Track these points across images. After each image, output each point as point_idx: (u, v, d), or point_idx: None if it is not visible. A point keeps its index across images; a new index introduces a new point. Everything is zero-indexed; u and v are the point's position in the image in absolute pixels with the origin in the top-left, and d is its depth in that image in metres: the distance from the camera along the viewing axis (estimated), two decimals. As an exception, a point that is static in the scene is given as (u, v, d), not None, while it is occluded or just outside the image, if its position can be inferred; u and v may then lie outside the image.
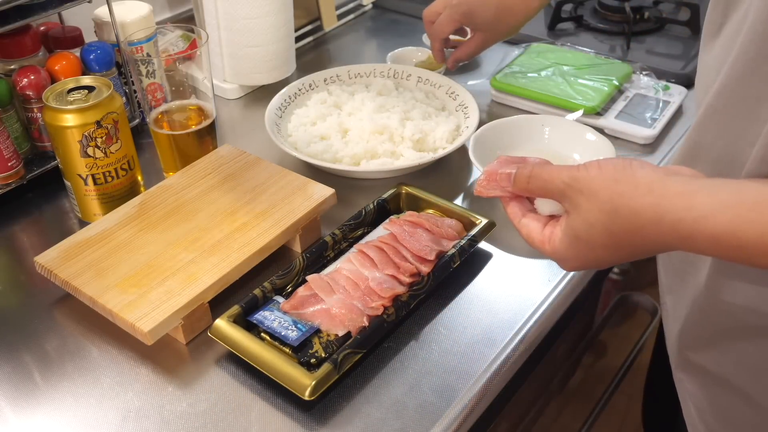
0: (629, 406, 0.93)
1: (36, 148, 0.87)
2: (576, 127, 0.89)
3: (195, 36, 0.90)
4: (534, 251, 0.56)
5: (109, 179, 0.77)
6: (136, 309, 0.63)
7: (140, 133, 0.94)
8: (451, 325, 0.68)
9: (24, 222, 0.83)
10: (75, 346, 0.67)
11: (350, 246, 0.73)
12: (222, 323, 0.63)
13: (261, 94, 1.05)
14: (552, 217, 0.53)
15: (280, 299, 0.67)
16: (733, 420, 0.57)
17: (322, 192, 0.76)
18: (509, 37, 0.95)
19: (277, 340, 0.63)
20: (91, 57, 0.86)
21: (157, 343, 0.63)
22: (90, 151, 0.74)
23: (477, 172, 0.88)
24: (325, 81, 1.01)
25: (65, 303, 0.71)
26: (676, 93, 0.98)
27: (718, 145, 0.50)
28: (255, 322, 0.64)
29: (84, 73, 0.86)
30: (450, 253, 0.70)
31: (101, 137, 0.74)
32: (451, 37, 1.02)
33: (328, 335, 0.63)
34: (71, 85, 0.75)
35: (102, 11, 0.89)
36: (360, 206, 0.77)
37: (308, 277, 0.67)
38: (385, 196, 0.78)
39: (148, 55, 0.88)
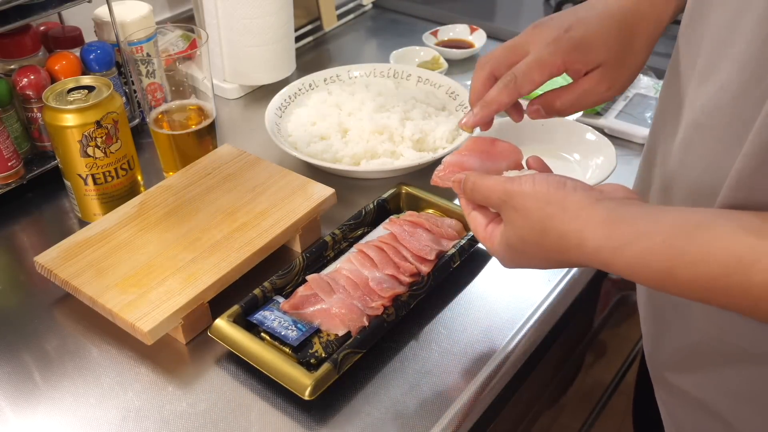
0: (629, 406, 0.93)
1: (36, 147, 0.87)
2: (576, 127, 0.89)
3: (195, 36, 0.90)
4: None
5: (109, 179, 0.77)
6: (136, 309, 0.63)
7: (140, 133, 0.94)
8: (451, 325, 0.68)
9: (24, 222, 0.83)
10: (75, 345, 0.67)
11: (350, 246, 0.73)
12: (222, 323, 0.63)
13: (261, 94, 1.05)
14: (494, 217, 0.55)
15: (280, 299, 0.67)
16: None
17: (322, 192, 0.76)
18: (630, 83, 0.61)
19: (277, 339, 0.63)
20: (91, 57, 0.86)
21: (157, 342, 0.63)
22: (90, 150, 0.74)
23: (477, 172, 0.88)
24: (325, 81, 1.01)
25: (65, 303, 0.71)
26: (676, 93, 0.98)
27: (699, 166, 0.50)
28: (255, 321, 0.64)
29: (84, 73, 0.86)
30: (450, 252, 0.70)
31: (101, 137, 0.74)
32: None
33: (328, 335, 0.63)
34: (71, 85, 0.75)
35: (102, 11, 0.89)
36: (360, 206, 0.77)
37: (308, 277, 0.67)
38: (385, 196, 0.78)
39: (148, 54, 0.88)
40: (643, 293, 0.63)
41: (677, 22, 0.57)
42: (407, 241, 0.70)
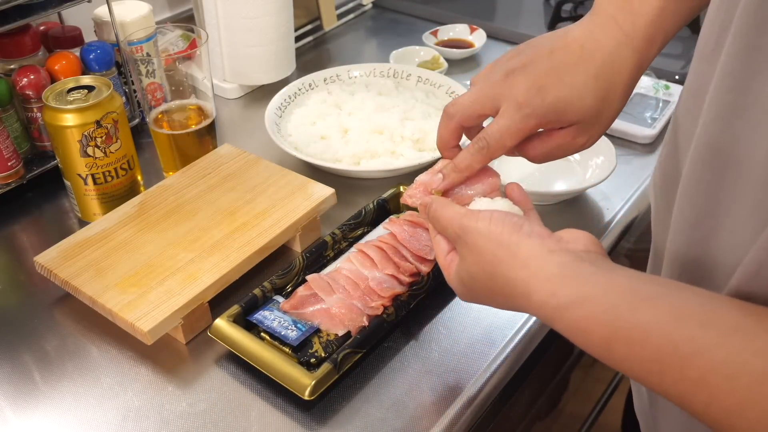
0: (629, 405, 0.94)
1: (36, 147, 0.87)
2: (576, 127, 0.89)
3: (195, 36, 0.89)
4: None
5: (109, 179, 0.77)
6: (135, 309, 0.63)
7: (140, 133, 0.94)
8: (451, 325, 0.68)
9: (24, 222, 0.83)
10: (75, 345, 0.67)
11: (350, 246, 0.73)
12: (222, 323, 0.63)
13: (261, 93, 1.05)
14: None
15: (279, 299, 0.67)
16: None
17: (322, 192, 0.76)
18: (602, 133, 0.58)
19: (276, 339, 0.63)
20: (91, 57, 0.86)
21: (157, 342, 0.63)
22: (90, 150, 0.74)
23: (477, 172, 0.88)
24: (325, 81, 1.01)
25: (65, 303, 0.71)
26: (676, 92, 0.98)
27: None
28: (255, 321, 0.64)
29: (84, 73, 0.86)
30: (450, 252, 0.70)
31: (101, 137, 0.74)
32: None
33: (328, 335, 0.63)
34: (71, 85, 0.75)
35: (102, 11, 0.89)
36: (360, 206, 0.77)
37: (308, 277, 0.67)
38: (385, 195, 0.78)
39: (148, 54, 0.88)
40: None
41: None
42: (407, 241, 0.70)
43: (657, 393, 0.39)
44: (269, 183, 0.78)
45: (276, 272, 0.68)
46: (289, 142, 0.89)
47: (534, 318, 0.68)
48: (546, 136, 0.56)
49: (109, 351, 0.66)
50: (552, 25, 1.18)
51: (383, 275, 0.66)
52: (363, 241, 0.72)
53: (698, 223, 0.47)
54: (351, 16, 1.28)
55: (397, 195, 0.79)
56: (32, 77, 0.81)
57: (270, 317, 0.64)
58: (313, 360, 0.61)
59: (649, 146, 0.92)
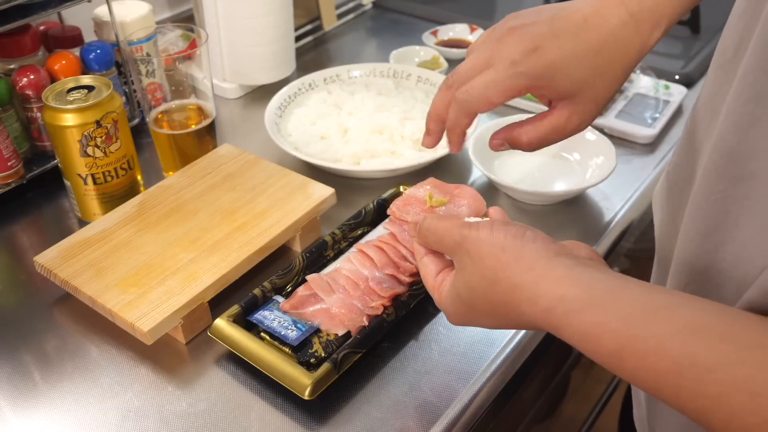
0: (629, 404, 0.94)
1: (36, 147, 0.87)
2: (576, 127, 0.89)
3: (195, 35, 0.89)
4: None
5: (109, 179, 0.77)
6: (135, 308, 0.63)
7: (140, 133, 0.94)
8: (451, 325, 0.67)
9: (24, 222, 0.83)
10: (75, 345, 0.67)
11: (350, 245, 0.73)
12: (222, 323, 0.63)
13: (261, 93, 1.05)
14: (447, 266, 0.52)
15: (279, 299, 0.67)
16: None
17: (322, 192, 0.76)
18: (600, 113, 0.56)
19: (276, 339, 0.63)
20: (91, 56, 0.86)
21: (157, 342, 0.63)
22: (90, 150, 0.74)
23: (477, 172, 0.88)
24: (324, 81, 1.01)
25: (65, 303, 0.71)
26: (676, 92, 0.98)
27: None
28: (255, 321, 0.64)
29: (84, 73, 0.86)
30: (450, 252, 0.70)
31: (101, 137, 0.74)
32: None
33: (328, 335, 0.63)
34: (71, 85, 0.75)
35: (102, 11, 0.89)
36: (360, 206, 0.77)
37: (308, 277, 0.67)
38: (385, 195, 0.78)
39: (148, 54, 0.88)
40: None
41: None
42: (407, 241, 0.70)
43: (671, 407, 0.37)
44: (269, 183, 0.78)
45: (276, 272, 0.68)
46: (289, 142, 0.89)
47: (534, 318, 0.68)
48: (538, 120, 0.55)
49: (109, 351, 0.66)
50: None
51: (383, 275, 0.66)
52: (363, 241, 0.72)
53: (708, 234, 0.45)
54: (351, 16, 1.28)
55: (397, 195, 0.79)
56: (32, 77, 0.81)
57: (270, 317, 0.64)
58: (312, 360, 0.61)
59: (649, 146, 0.92)
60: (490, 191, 0.85)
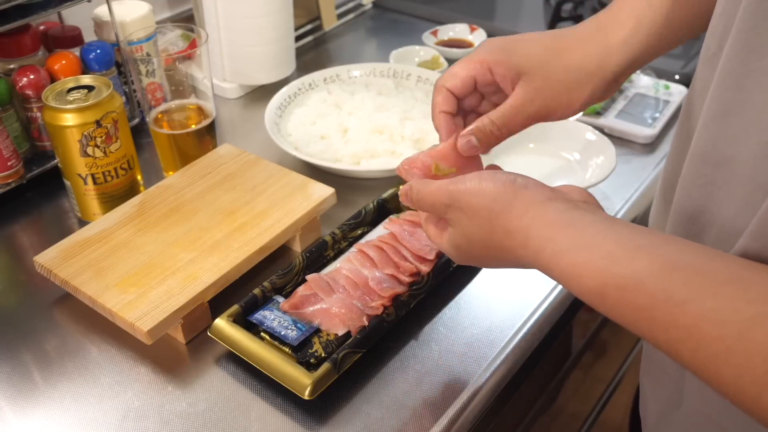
0: (629, 405, 0.94)
1: (35, 147, 0.87)
2: (576, 127, 0.89)
3: (195, 35, 0.89)
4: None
5: (109, 179, 0.77)
6: (135, 308, 0.63)
7: (140, 133, 0.94)
8: (451, 325, 0.68)
9: (24, 221, 0.83)
10: (75, 345, 0.67)
11: (350, 245, 0.73)
12: (222, 323, 0.63)
13: (261, 93, 1.05)
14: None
15: (279, 299, 0.67)
16: None
17: (322, 191, 0.76)
18: (574, 113, 0.57)
19: (276, 339, 0.63)
20: (91, 56, 0.86)
21: (157, 342, 0.63)
22: (89, 150, 0.74)
23: (477, 172, 0.88)
24: (324, 80, 1.01)
25: (65, 303, 0.71)
26: (676, 92, 0.98)
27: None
28: (255, 321, 0.64)
29: (84, 73, 0.86)
30: (450, 252, 0.70)
31: (101, 137, 0.74)
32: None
33: (328, 335, 0.63)
34: (71, 85, 0.75)
35: (102, 10, 0.89)
36: (360, 206, 0.77)
37: (308, 277, 0.67)
38: (385, 195, 0.78)
39: (148, 54, 0.88)
40: (648, 345, 0.62)
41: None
42: (407, 241, 0.70)
43: (646, 340, 0.39)
44: (269, 183, 0.78)
45: (276, 272, 0.68)
46: (289, 142, 0.89)
47: (534, 318, 0.68)
48: (501, 104, 0.56)
49: (109, 351, 0.66)
50: (552, 25, 1.18)
51: (383, 275, 0.66)
52: (363, 240, 0.72)
53: (695, 218, 0.47)
54: (351, 15, 1.28)
55: (397, 194, 0.79)
56: (32, 77, 0.81)
57: (270, 317, 0.64)
58: (312, 360, 0.61)
59: (649, 146, 0.92)
60: (490, 191, 0.85)
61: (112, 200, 0.78)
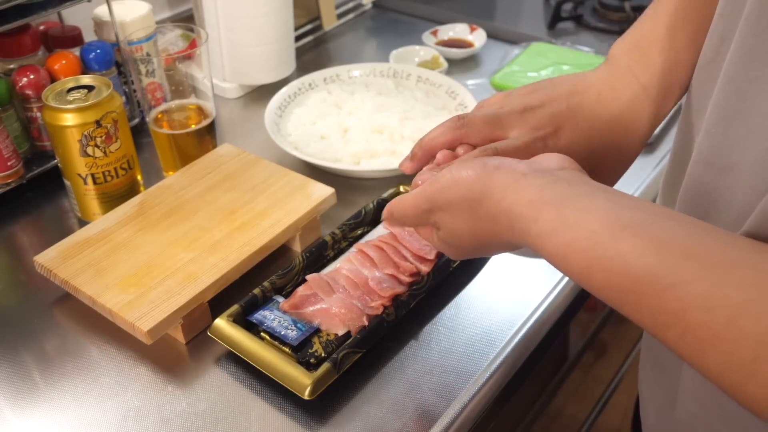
0: (629, 405, 0.94)
1: (35, 147, 0.87)
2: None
3: (195, 35, 0.89)
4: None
5: (109, 179, 0.77)
6: (135, 308, 0.63)
7: (140, 133, 0.94)
8: (451, 325, 0.68)
9: (23, 221, 0.83)
10: (75, 345, 0.67)
11: (350, 245, 0.73)
12: (221, 323, 0.63)
13: (261, 93, 1.05)
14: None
15: (279, 299, 0.67)
16: None
17: (322, 191, 0.76)
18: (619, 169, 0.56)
19: (276, 339, 0.63)
20: (91, 56, 0.86)
21: (157, 342, 0.63)
22: (89, 150, 0.74)
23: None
24: (324, 80, 1.01)
25: (65, 302, 0.71)
26: (676, 92, 0.98)
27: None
28: (255, 321, 0.64)
29: (83, 73, 0.86)
30: (450, 252, 0.70)
31: (101, 137, 0.74)
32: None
33: (328, 335, 0.63)
34: (71, 85, 0.75)
35: (101, 10, 0.89)
36: (360, 206, 0.77)
37: (308, 277, 0.67)
38: (384, 195, 0.78)
39: (148, 54, 0.88)
40: (648, 341, 0.62)
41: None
42: (407, 241, 0.70)
43: (634, 322, 0.39)
44: (269, 183, 0.78)
45: (276, 272, 0.68)
46: (289, 142, 0.89)
47: (534, 318, 0.68)
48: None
49: (109, 351, 0.66)
50: (552, 25, 1.18)
51: (383, 275, 0.66)
52: (363, 240, 0.72)
53: None
54: (351, 15, 1.28)
55: (397, 195, 0.79)
56: (32, 77, 0.81)
57: (270, 317, 0.64)
58: (312, 360, 0.61)
59: (649, 146, 0.92)
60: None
61: (112, 200, 0.78)
